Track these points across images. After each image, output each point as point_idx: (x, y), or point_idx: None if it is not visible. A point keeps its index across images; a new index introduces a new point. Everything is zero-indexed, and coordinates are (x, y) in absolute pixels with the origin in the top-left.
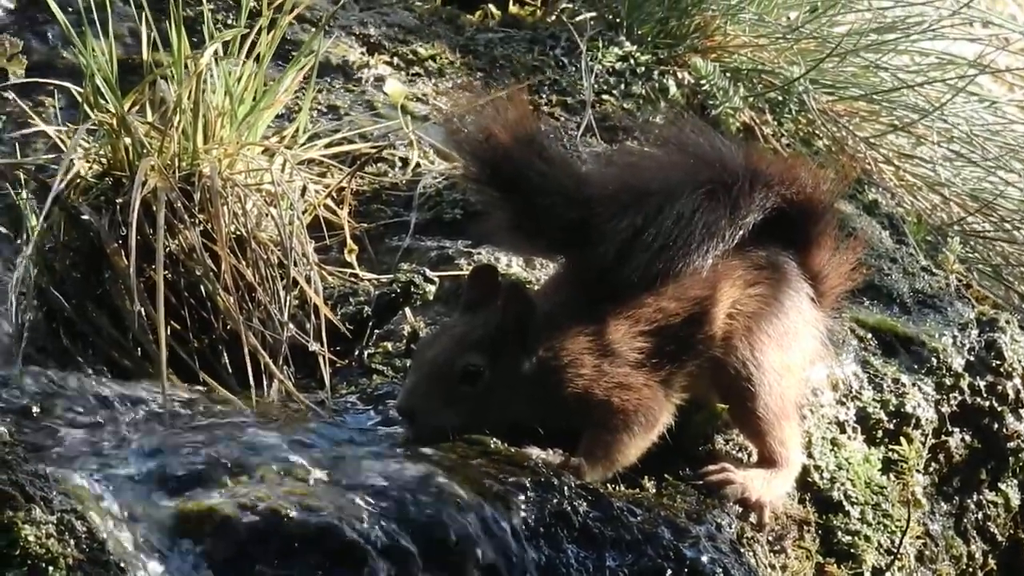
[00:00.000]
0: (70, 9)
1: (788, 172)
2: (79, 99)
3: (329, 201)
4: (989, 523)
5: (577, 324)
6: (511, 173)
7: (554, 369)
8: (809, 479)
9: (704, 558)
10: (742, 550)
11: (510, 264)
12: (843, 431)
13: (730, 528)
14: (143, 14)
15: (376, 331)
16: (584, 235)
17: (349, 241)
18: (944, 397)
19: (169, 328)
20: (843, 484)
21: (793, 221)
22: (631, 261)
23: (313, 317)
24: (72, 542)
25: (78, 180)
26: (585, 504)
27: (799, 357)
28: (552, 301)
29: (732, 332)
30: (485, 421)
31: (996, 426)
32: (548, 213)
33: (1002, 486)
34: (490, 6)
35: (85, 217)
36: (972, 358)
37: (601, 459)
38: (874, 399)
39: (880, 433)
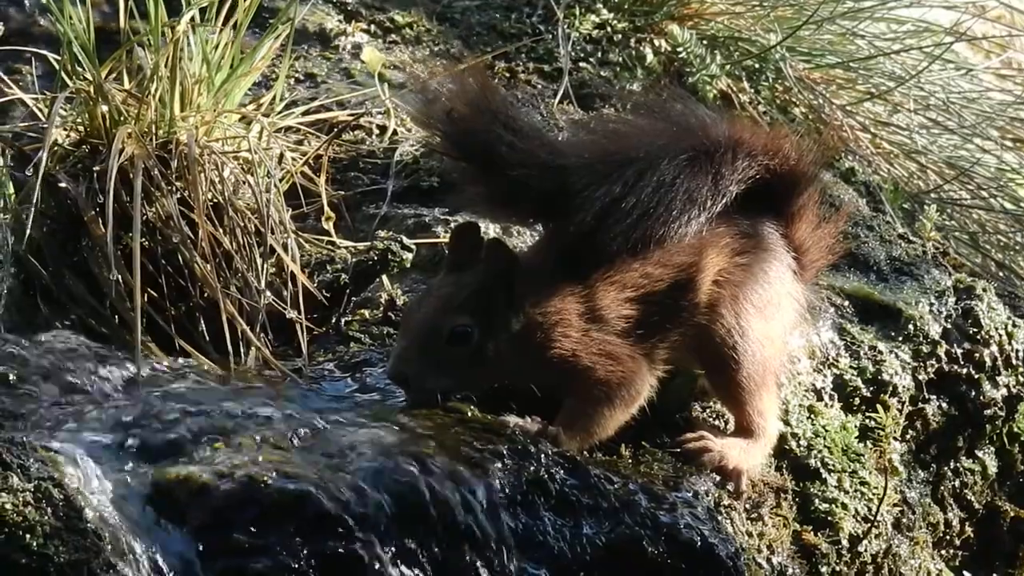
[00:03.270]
0: None
1: (772, 143)
2: (56, 67)
3: (306, 169)
4: (966, 490)
5: (565, 284)
6: (478, 148)
7: (542, 326)
8: (786, 446)
9: (681, 525)
10: (719, 517)
11: (487, 231)
12: (820, 398)
13: (707, 496)
14: None
15: (353, 299)
16: (561, 205)
17: (326, 209)
18: (921, 364)
19: (146, 296)
20: (820, 452)
21: (776, 192)
22: (610, 229)
23: (290, 284)
24: (49, 510)
25: (55, 148)
26: (562, 472)
27: (780, 328)
28: (539, 258)
29: (718, 300)
30: (477, 381)
31: (973, 393)
32: (521, 185)
33: (979, 453)
34: None
35: (62, 185)
36: (949, 325)
37: (579, 430)
38: (851, 366)
39: (857, 400)
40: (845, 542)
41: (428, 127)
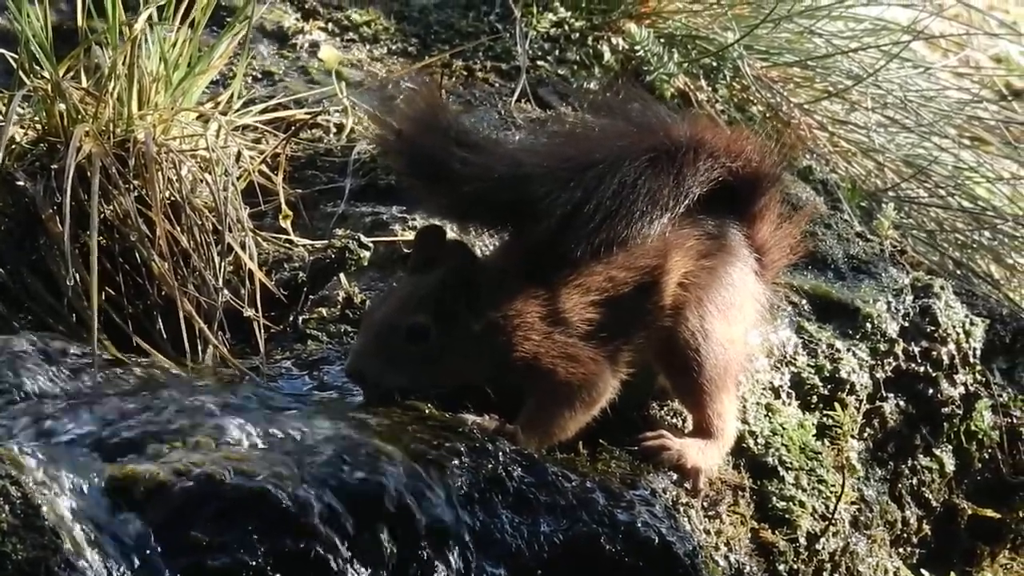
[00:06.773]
0: None
1: (734, 144)
2: (14, 65)
3: (264, 167)
4: (924, 489)
5: (528, 287)
6: (431, 166)
7: (503, 330)
8: (744, 444)
9: (639, 523)
10: (677, 515)
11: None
12: (778, 397)
13: (665, 494)
14: None
15: (311, 297)
16: (522, 213)
17: (284, 207)
18: (879, 363)
19: (104, 294)
20: (778, 450)
21: (738, 193)
22: (573, 234)
23: (248, 283)
24: (7, 508)
25: (13, 146)
26: (520, 469)
27: (741, 330)
28: (503, 261)
29: (682, 303)
30: (435, 381)
31: (931, 392)
32: (479, 198)
33: (937, 452)
34: None
35: (20, 183)
36: (907, 324)
37: (539, 431)
38: (809, 364)
39: (815, 399)
40: (803, 540)
41: (380, 148)
